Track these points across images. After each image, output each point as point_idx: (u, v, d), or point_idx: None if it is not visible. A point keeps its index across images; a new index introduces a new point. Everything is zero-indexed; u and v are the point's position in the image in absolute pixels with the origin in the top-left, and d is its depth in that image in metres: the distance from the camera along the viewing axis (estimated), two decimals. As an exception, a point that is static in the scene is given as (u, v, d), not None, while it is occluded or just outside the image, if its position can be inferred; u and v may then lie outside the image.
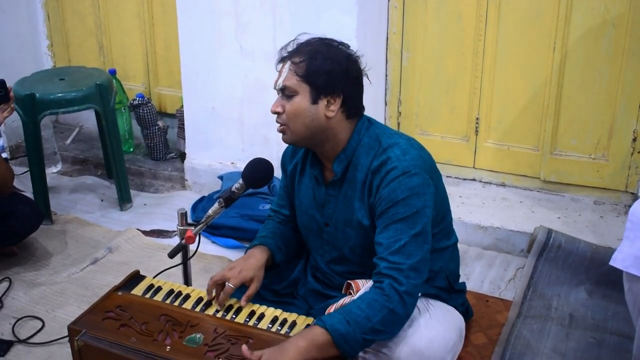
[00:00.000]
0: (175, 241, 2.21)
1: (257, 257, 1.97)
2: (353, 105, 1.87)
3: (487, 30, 3.00)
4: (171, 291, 1.97)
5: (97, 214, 3.28)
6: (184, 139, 3.48)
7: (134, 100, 3.60)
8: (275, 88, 1.87)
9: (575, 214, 2.95)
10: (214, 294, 1.91)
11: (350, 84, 1.84)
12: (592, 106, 2.93)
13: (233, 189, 1.96)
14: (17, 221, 2.70)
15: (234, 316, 1.86)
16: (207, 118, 3.31)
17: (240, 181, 1.96)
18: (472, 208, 3.00)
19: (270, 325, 1.81)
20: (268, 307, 1.89)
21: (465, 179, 3.26)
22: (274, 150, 3.09)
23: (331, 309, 1.79)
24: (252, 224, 2.89)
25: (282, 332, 1.79)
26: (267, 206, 2.97)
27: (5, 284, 2.65)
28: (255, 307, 1.89)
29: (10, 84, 2.63)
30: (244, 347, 1.67)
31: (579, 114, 2.96)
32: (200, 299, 1.93)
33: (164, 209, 3.29)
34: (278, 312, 1.87)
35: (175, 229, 2.09)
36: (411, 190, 1.77)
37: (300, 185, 2.04)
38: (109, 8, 3.91)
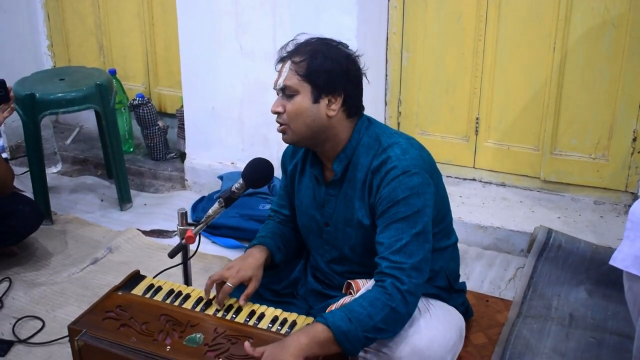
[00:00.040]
0: (175, 241, 2.21)
1: (256, 256, 1.97)
2: (353, 105, 1.87)
3: (487, 30, 3.00)
4: (171, 291, 1.97)
5: (97, 214, 3.28)
6: (184, 139, 3.49)
7: (134, 100, 3.60)
8: (275, 88, 1.87)
9: (575, 214, 2.95)
10: (212, 294, 1.92)
11: (350, 83, 1.84)
12: (592, 106, 2.93)
13: (233, 188, 1.96)
14: (17, 221, 2.70)
15: (234, 316, 1.86)
16: (207, 118, 3.31)
17: (240, 181, 1.96)
18: (472, 208, 3.00)
19: (271, 325, 1.81)
20: (268, 307, 1.89)
21: (465, 179, 3.26)
22: (274, 150, 3.09)
23: (331, 308, 1.79)
24: (252, 224, 2.89)
25: (282, 331, 1.79)
26: (267, 206, 2.97)
27: (6, 284, 2.65)
28: (256, 307, 1.89)
29: (10, 84, 2.63)
30: (247, 343, 1.67)
31: (579, 113, 2.96)
32: (200, 299, 1.93)
33: (164, 209, 3.29)
34: (278, 312, 1.87)
35: (175, 229, 2.10)
36: (411, 189, 1.77)
37: (300, 185, 2.04)
38: (109, 8, 3.91)
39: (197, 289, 1.98)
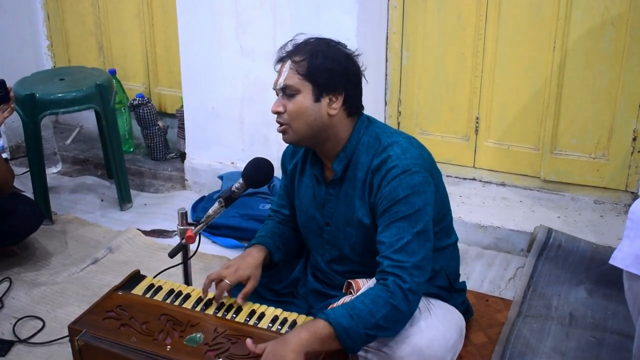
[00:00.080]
0: (175, 241, 2.21)
1: (254, 255, 1.98)
2: (354, 104, 1.87)
3: (487, 30, 3.00)
4: (171, 291, 1.97)
5: (97, 214, 3.28)
6: (184, 139, 3.49)
7: (134, 100, 3.60)
8: (275, 88, 1.87)
9: (575, 214, 2.95)
10: (211, 293, 1.91)
11: (350, 82, 1.85)
12: (592, 106, 2.93)
13: (233, 188, 1.96)
14: (18, 221, 2.70)
15: (234, 316, 1.86)
16: (207, 118, 3.31)
17: (241, 181, 1.96)
18: (472, 207, 3.00)
19: (271, 325, 1.81)
20: (268, 306, 1.89)
21: (465, 179, 3.26)
22: (274, 150, 3.09)
23: (332, 307, 1.79)
24: (252, 224, 2.89)
25: (283, 331, 1.79)
26: (267, 206, 2.97)
27: (6, 284, 2.65)
28: (256, 306, 1.89)
29: (10, 84, 2.62)
30: (249, 340, 1.68)
31: (579, 113, 2.96)
32: (200, 299, 1.93)
33: (164, 208, 3.29)
34: (278, 311, 1.87)
35: (176, 229, 2.10)
36: (412, 188, 1.78)
37: (300, 184, 2.05)
38: (109, 8, 3.91)
39: (197, 289, 1.98)
